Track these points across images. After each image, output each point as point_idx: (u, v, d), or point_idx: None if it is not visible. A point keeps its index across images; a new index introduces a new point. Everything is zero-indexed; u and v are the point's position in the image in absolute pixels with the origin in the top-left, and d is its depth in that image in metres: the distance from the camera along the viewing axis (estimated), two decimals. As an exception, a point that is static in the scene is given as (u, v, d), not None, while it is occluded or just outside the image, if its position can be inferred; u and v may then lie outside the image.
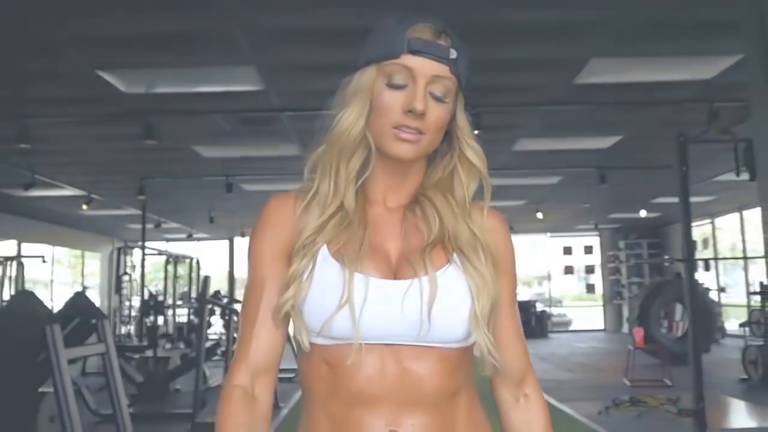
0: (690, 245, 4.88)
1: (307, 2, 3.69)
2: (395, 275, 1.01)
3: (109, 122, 5.94)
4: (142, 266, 9.94)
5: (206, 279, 5.76)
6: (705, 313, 9.63)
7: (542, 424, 1.11)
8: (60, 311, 3.66)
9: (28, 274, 11.77)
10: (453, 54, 1.00)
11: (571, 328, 17.44)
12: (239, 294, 11.32)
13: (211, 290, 9.20)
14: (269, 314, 1.04)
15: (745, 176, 4.62)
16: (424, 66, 0.98)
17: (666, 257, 14.68)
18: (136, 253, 12.75)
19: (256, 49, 4.26)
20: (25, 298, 3.57)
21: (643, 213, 12.30)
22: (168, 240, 15.33)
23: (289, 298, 0.98)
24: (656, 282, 11.63)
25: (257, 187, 9.07)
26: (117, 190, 9.38)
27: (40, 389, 4.33)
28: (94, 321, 3.66)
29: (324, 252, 1.00)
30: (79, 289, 14.89)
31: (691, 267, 5.05)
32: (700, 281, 11.73)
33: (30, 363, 3.59)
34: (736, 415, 6.54)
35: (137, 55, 4.34)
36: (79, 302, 3.77)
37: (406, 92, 0.98)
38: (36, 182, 7.71)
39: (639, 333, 8.00)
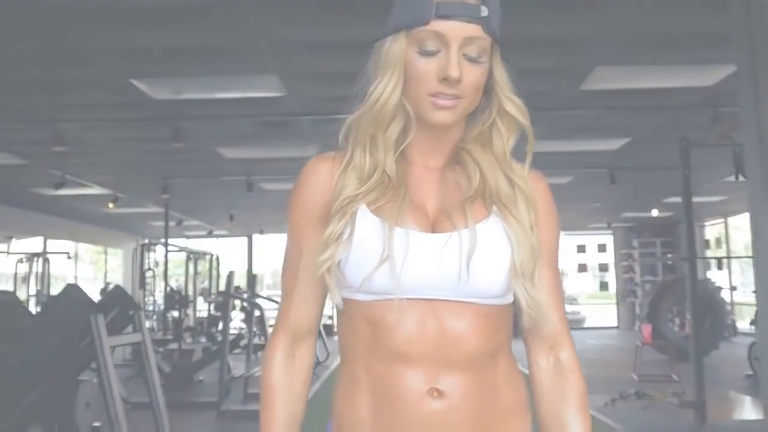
0: (692, 245, 5.10)
1: (324, 16, 3.97)
2: (434, 229, 1.00)
3: (138, 126, 6.26)
4: (165, 263, 10.29)
5: (231, 274, 6.06)
6: (714, 311, 9.79)
7: (575, 392, 1.06)
8: (100, 302, 3.96)
9: (52, 270, 12.19)
10: (484, 11, 0.96)
11: (585, 325, 17.59)
12: (258, 290, 11.61)
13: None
14: (307, 279, 1.05)
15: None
16: (455, 29, 0.95)
17: (669, 256, 14.82)
18: (158, 249, 13.12)
19: (278, 59, 4.55)
20: (72, 290, 3.88)
21: (654, 212, 12.47)
22: (188, 237, 15.71)
23: (327, 258, 0.98)
24: (667, 280, 11.79)
25: (276, 186, 9.38)
26: (142, 189, 9.73)
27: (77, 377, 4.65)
28: (131, 312, 3.96)
29: (363, 210, 1.00)
30: (101, 284, 15.32)
31: (694, 266, 5.26)
32: (712, 280, 11.89)
33: (73, 350, 3.89)
34: (738, 409, 6.73)
35: (167, 64, 4.64)
36: (116, 295, 4.08)
37: (440, 58, 0.96)
38: (66, 182, 8.07)
39: (647, 329, 8.20)
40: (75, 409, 4.64)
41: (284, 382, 1.07)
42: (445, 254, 0.97)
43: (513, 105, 1.03)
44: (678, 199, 11.18)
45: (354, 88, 1.02)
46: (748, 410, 6.66)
